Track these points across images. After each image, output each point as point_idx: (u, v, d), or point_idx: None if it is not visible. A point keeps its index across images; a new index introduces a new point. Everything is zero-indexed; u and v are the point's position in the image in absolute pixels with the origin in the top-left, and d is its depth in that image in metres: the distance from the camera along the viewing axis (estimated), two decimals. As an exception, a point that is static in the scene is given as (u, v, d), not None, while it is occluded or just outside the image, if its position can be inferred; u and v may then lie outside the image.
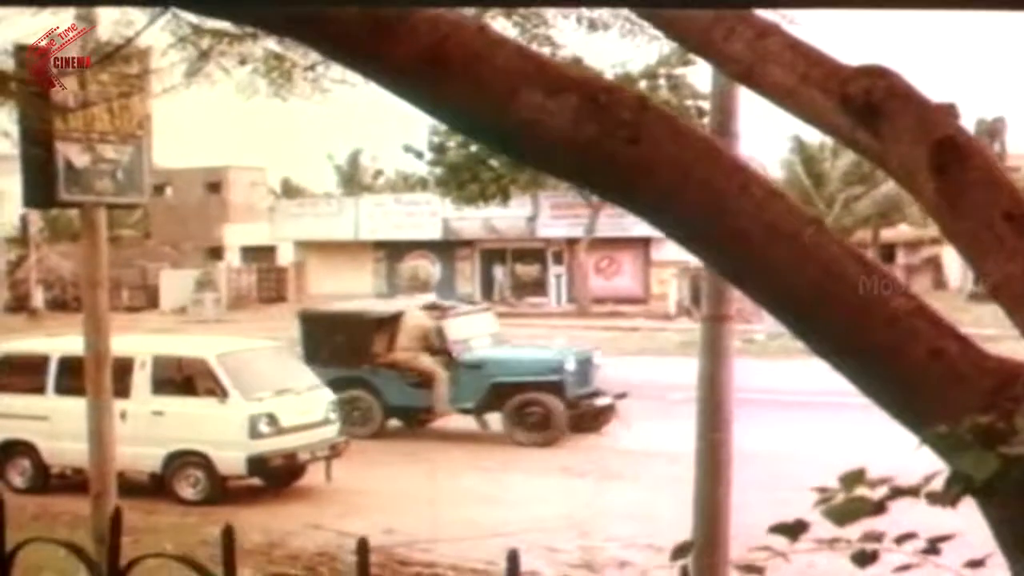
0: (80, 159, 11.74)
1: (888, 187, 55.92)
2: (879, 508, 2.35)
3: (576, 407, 25.26)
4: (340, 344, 26.65)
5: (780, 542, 2.55)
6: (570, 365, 25.64)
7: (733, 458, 8.77)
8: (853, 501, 2.34)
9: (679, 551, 2.57)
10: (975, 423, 2.34)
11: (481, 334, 27.54)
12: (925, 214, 3.41)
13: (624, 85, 3.30)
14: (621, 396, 25.78)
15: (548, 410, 24.98)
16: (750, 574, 2.55)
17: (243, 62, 9.70)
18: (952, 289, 55.58)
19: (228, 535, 3.21)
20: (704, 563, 8.29)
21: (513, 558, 3.00)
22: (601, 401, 25.80)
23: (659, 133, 3.15)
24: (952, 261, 57.81)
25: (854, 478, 2.37)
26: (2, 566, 3.66)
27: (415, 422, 26.94)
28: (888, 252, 66.77)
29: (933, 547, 2.45)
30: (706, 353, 8.77)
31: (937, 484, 2.34)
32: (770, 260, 3.18)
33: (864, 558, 2.44)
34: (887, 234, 63.76)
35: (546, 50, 7.73)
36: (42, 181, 11.82)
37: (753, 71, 3.75)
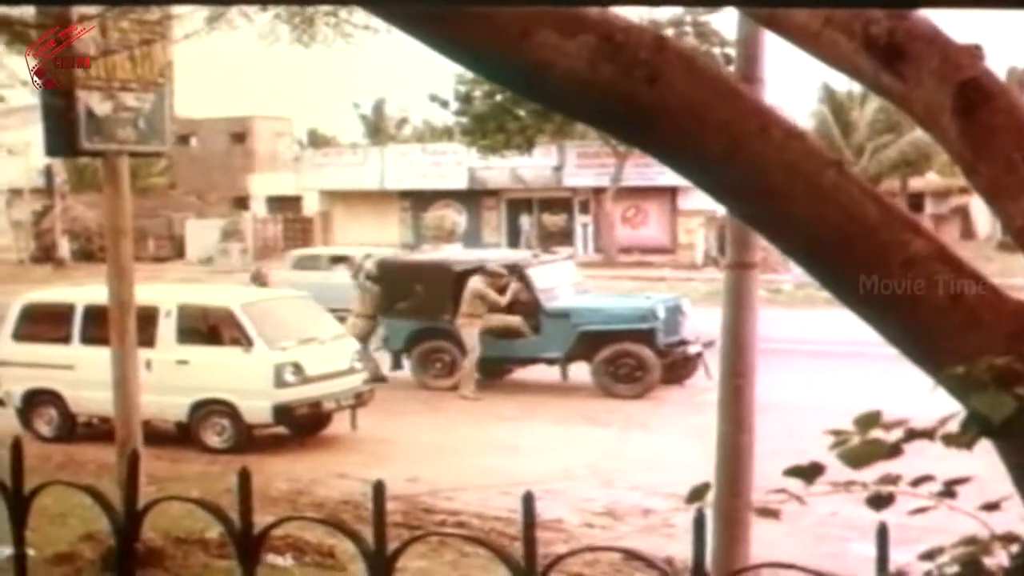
0: (101, 107, 11.73)
1: (916, 136, 55.72)
2: (894, 450, 2.32)
3: (666, 356, 24.79)
4: (420, 295, 26.33)
5: (797, 486, 2.52)
6: (660, 313, 25.22)
7: (755, 405, 8.76)
8: (868, 443, 2.32)
9: (695, 494, 2.55)
10: (991, 364, 2.31)
11: (564, 283, 27.22)
12: (951, 160, 3.37)
13: (642, 25, 3.24)
14: (709, 344, 24.11)
15: (640, 360, 24.56)
16: (766, 517, 2.53)
17: (265, 8, 9.65)
18: (980, 238, 55.42)
19: (244, 478, 3.21)
20: (727, 508, 8.30)
21: (528, 500, 2.99)
22: (692, 349, 25.13)
23: (676, 73, 3.11)
24: (980, 210, 57.59)
25: (869, 420, 2.35)
26: (21, 507, 3.67)
27: (496, 373, 26.80)
28: (916, 201, 66.51)
29: (949, 490, 2.43)
30: (730, 301, 8.75)
31: (953, 426, 2.31)
32: (789, 202, 3.14)
33: (880, 501, 2.41)
34: (915, 183, 63.51)
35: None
36: (63, 130, 11.82)
37: (776, 14, 3.71)
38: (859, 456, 2.30)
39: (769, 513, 2.55)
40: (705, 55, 51.87)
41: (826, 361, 26.71)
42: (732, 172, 3.16)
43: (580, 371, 25.27)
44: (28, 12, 10.59)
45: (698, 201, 56.51)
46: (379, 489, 3.10)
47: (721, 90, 3.21)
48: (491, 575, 13.44)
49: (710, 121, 3.12)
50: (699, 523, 2.89)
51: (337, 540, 13.33)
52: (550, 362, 25.59)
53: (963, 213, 61.83)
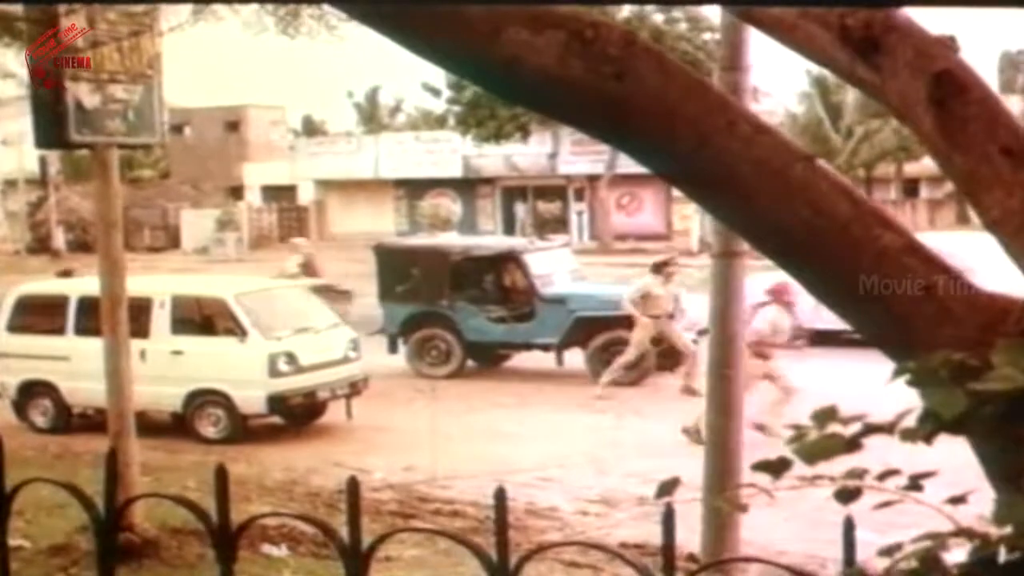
0: (90, 100, 11.70)
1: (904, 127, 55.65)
2: (852, 445, 2.33)
3: (661, 343, 24.49)
4: (417, 279, 26.44)
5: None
6: None
7: (743, 393, 8.77)
8: (825, 438, 2.33)
9: (663, 489, 2.56)
10: (946, 359, 2.32)
11: (561, 270, 27.20)
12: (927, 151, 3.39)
13: (611, 21, 3.26)
14: (704, 332, 24.11)
15: None
16: (735, 509, 2.54)
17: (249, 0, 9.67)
18: (976, 223, 55.27)
19: (221, 475, 3.22)
20: (716, 497, 8.32)
21: (500, 496, 3.00)
22: (687, 336, 24.54)
23: (645, 69, 3.13)
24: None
25: (826, 415, 2.35)
26: (1, 506, 3.67)
27: (492, 360, 26.92)
28: (912, 186, 66.59)
29: (915, 484, 2.43)
30: (718, 290, 8.76)
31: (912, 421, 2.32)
32: (758, 197, 3.15)
33: (847, 495, 2.42)
34: (910, 168, 63.46)
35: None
36: (52, 122, 11.79)
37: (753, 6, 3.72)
38: (815, 451, 2.31)
39: (737, 506, 2.56)
40: (695, 42, 51.97)
41: (822, 348, 26.69)
42: (701, 167, 3.17)
43: (576, 358, 25.28)
44: (17, 6, 10.58)
45: (693, 187, 56.45)
46: (353, 485, 3.11)
47: (689, 85, 3.22)
48: (485, 563, 13.52)
49: (678, 116, 3.13)
50: (668, 517, 2.90)
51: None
52: (545, 348, 25.62)
53: (958, 198, 61.74)
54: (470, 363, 26.32)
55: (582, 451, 18.37)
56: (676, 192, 61.21)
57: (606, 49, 3.08)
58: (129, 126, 12.17)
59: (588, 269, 30.76)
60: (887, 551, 2.29)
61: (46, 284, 25.28)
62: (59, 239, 65.92)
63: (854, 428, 2.32)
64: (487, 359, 26.73)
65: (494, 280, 27.57)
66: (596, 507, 15.69)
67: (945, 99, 3.25)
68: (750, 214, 3.23)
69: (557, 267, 27.13)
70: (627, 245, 58.70)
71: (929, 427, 2.26)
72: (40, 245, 66.68)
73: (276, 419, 20.59)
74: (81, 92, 11.56)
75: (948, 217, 61.44)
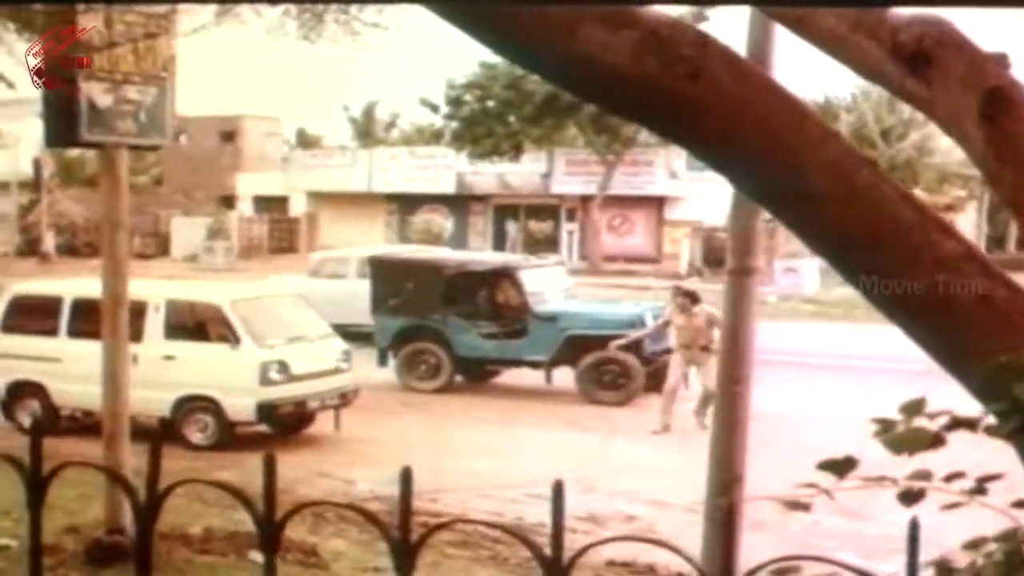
0: (103, 99, 11.68)
1: (898, 154, 55.78)
2: (937, 439, 2.35)
3: (650, 364, 24.58)
4: (410, 292, 26.49)
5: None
6: (648, 320, 25.08)
7: (750, 412, 8.75)
8: (913, 431, 2.34)
9: (725, 486, 2.57)
10: (1040, 353, 2.34)
11: (554, 288, 27.30)
12: (974, 165, 3.41)
13: (685, 22, 3.28)
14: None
15: (625, 367, 24.45)
16: (796, 509, 2.55)
17: (274, 2, 9.63)
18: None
19: (270, 464, 3.24)
20: (719, 505, 8.30)
21: (558, 490, 3.01)
22: None
23: (718, 69, 3.15)
24: (966, 227, 57.77)
25: (914, 408, 2.37)
26: (40, 488, 3.70)
27: (482, 375, 26.96)
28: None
29: (980, 487, 2.45)
30: (731, 307, 8.75)
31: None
32: (825, 199, 3.18)
33: (911, 496, 2.44)
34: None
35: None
36: (64, 120, 11.76)
37: (804, 18, 3.75)
38: (904, 443, 2.32)
39: (798, 506, 2.57)
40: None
41: (808, 373, 26.74)
42: (769, 169, 3.19)
43: (564, 377, 25.28)
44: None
45: (684, 211, 56.75)
46: (406, 476, 3.12)
47: (761, 86, 3.24)
48: (470, 578, 13.52)
49: (750, 116, 3.15)
50: (729, 517, 2.91)
51: (320, 539, 13.32)
52: (534, 365, 25.62)
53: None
54: (459, 378, 26.33)
55: (569, 469, 18.33)
56: (667, 216, 61.34)
57: (681, 49, 3.11)
58: (140, 127, 12.14)
59: (577, 289, 30.80)
60: (972, 544, 2.31)
61: (40, 285, 25.22)
62: (49, 243, 65.80)
63: (940, 421, 2.34)
64: (476, 375, 26.72)
65: (487, 296, 27.55)
66: (584, 524, 15.65)
67: (996, 115, 3.28)
68: (816, 216, 3.25)
69: (550, 285, 27.16)
70: (616, 267, 58.71)
71: (1017, 421, 2.27)
72: (29, 248, 66.54)
73: (264, 427, 20.55)
74: (94, 91, 11.54)
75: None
